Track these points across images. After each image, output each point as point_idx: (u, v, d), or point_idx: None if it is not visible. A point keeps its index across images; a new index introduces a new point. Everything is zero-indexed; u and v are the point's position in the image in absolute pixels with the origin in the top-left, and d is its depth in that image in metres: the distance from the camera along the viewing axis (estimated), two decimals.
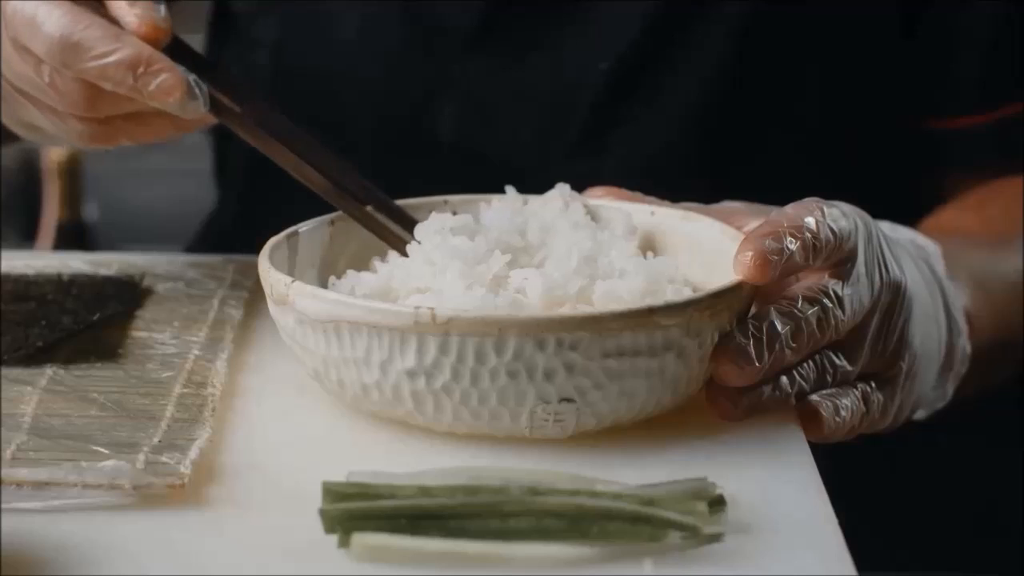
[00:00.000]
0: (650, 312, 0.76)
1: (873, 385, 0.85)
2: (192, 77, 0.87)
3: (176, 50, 0.89)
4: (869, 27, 1.11)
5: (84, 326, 0.90)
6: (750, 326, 0.79)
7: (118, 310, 0.93)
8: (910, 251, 0.92)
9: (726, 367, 0.78)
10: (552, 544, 0.69)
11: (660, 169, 1.11)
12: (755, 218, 0.88)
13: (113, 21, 0.87)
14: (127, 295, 0.95)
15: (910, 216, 1.05)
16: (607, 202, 0.91)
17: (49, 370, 0.85)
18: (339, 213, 0.89)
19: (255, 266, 0.83)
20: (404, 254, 0.86)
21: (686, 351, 0.77)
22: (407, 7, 1.12)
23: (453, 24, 1.11)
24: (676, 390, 0.79)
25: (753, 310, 0.81)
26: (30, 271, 0.98)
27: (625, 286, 0.80)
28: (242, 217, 1.24)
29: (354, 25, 1.13)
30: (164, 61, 0.86)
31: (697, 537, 0.69)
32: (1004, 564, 1.29)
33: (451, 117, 1.13)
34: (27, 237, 2.12)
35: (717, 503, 0.71)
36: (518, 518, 0.69)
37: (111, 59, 0.85)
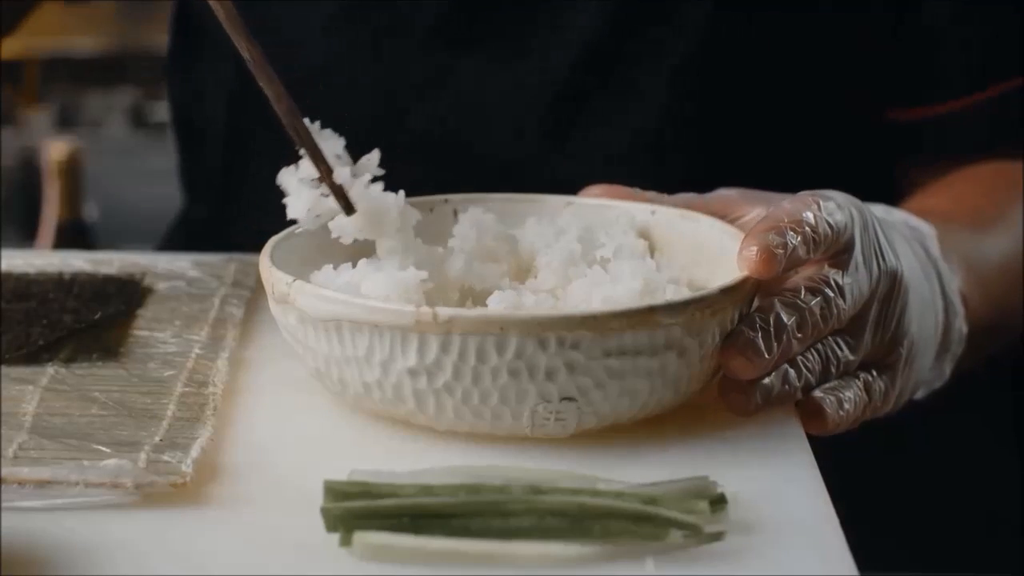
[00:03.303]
0: (651, 311, 0.76)
1: (874, 373, 0.86)
2: None
3: None
4: (837, 18, 1.12)
5: (85, 325, 0.90)
6: (757, 319, 0.79)
7: (119, 309, 0.93)
8: (905, 234, 0.93)
9: (736, 360, 0.79)
10: (554, 543, 0.69)
11: (629, 162, 1.11)
12: (752, 204, 0.89)
13: None
14: (128, 294, 0.95)
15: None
16: (608, 201, 0.91)
17: (50, 369, 0.85)
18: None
19: (256, 265, 0.83)
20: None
21: (687, 350, 0.77)
22: (372, 6, 1.12)
23: (419, 22, 1.12)
24: (677, 389, 0.79)
25: (756, 302, 0.81)
26: (31, 270, 0.98)
27: (622, 290, 0.80)
28: (210, 219, 1.24)
29: (320, 25, 1.13)
30: None
31: (698, 536, 0.69)
32: (1004, 564, 1.29)
33: (419, 114, 1.13)
34: (27, 236, 2.13)
35: (718, 502, 0.71)
36: (520, 517, 0.69)
37: None
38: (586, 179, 0.96)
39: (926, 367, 0.92)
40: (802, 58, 1.12)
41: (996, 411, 1.35)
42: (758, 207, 0.88)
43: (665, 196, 0.91)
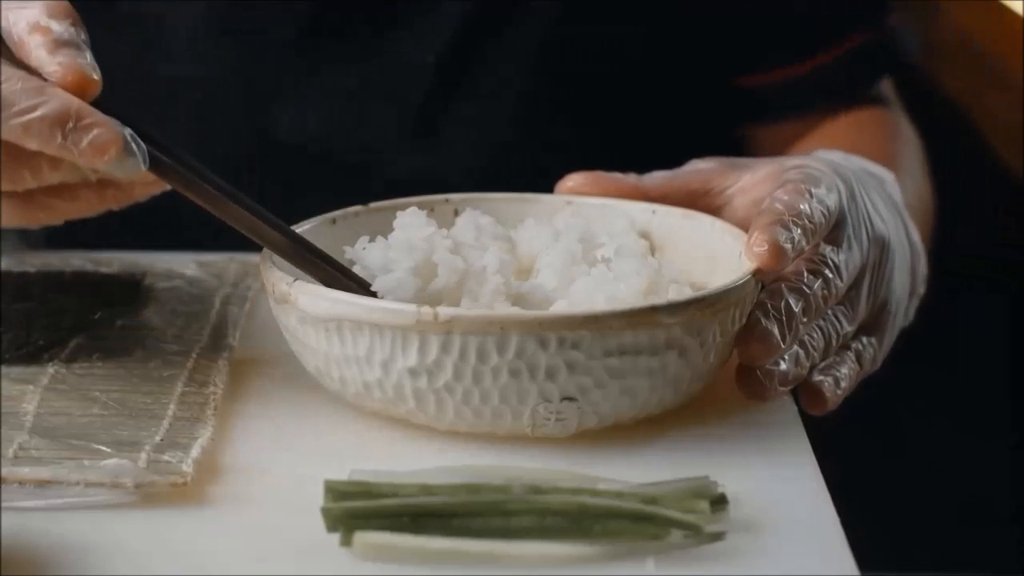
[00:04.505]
0: (652, 311, 0.76)
1: (864, 341, 0.88)
2: (128, 131, 0.78)
3: (101, 103, 0.79)
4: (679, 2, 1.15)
5: (86, 325, 0.90)
6: (769, 308, 0.80)
7: (120, 308, 0.93)
8: (874, 186, 0.94)
9: (754, 348, 0.80)
10: (554, 543, 0.69)
11: (496, 154, 1.13)
12: (734, 173, 0.90)
13: (34, 72, 0.79)
14: (129, 293, 0.95)
15: None
16: (608, 201, 0.91)
17: (51, 368, 0.85)
18: (340, 212, 0.89)
19: (257, 264, 0.83)
20: None
21: (688, 350, 0.77)
22: (236, 14, 1.12)
23: (281, 30, 1.12)
24: (678, 389, 0.79)
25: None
26: (31, 269, 0.98)
27: (626, 289, 0.81)
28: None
29: (185, 35, 1.13)
30: (96, 115, 0.77)
31: (699, 536, 0.69)
32: (1004, 563, 1.29)
33: (290, 121, 1.13)
34: (27, 237, 2.12)
35: (719, 502, 0.71)
36: (520, 517, 0.69)
37: (35, 114, 0.76)
38: (452, 175, 0.97)
39: (903, 316, 0.94)
40: (654, 38, 1.15)
41: (995, 412, 1.35)
42: (742, 175, 0.90)
43: (643, 178, 0.92)
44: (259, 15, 1.12)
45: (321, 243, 0.87)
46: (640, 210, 0.90)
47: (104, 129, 0.77)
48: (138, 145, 0.78)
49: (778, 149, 1.19)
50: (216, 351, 0.88)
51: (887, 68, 1.21)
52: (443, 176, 0.99)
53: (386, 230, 0.88)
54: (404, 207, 0.90)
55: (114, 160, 0.77)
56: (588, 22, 1.14)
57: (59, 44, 0.79)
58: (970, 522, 1.33)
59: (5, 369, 0.85)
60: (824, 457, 0.79)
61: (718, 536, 0.69)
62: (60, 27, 0.79)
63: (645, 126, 1.17)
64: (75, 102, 0.77)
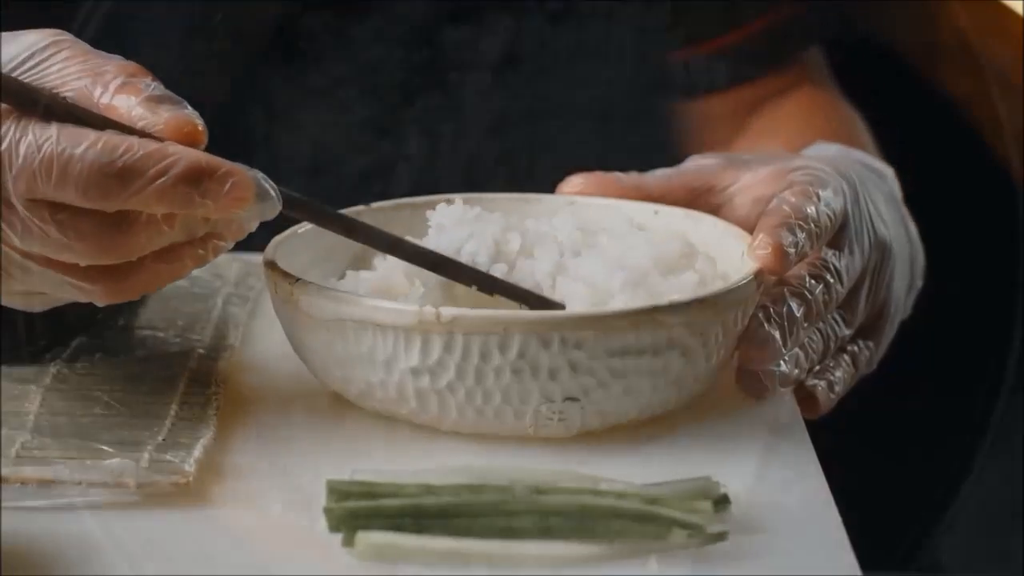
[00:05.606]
0: (654, 311, 0.76)
1: (860, 343, 0.89)
2: (259, 173, 0.73)
3: None
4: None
5: (88, 324, 0.90)
6: (772, 313, 0.81)
7: (122, 308, 0.93)
8: (875, 183, 0.94)
9: (756, 350, 0.80)
10: (556, 543, 0.69)
11: (457, 151, 1.13)
12: (735, 171, 0.90)
13: (138, 133, 0.72)
14: None
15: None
16: (609, 201, 0.91)
17: (53, 368, 0.85)
18: (343, 212, 0.89)
19: (259, 264, 0.83)
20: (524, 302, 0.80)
21: (690, 350, 0.78)
22: (202, 20, 1.13)
23: (248, 33, 1.12)
24: (681, 389, 0.79)
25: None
26: None
27: (668, 250, 0.81)
28: None
29: (155, 39, 1.13)
30: (225, 163, 0.72)
31: (702, 536, 0.69)
32: (1004, 564, 1.29)
33: (257, 122, 1.13)
34: None
35: (721, 502, 0.71)
36: (522, 517, 0.69)
37: (167, 178, 0.71)
38: (424, 167, 0.97)
39: (901, 313, 0.95)
40: (610, 14, 1.17)
41: (997, 415, 1.35)
42: (743, 174, 0.90)
43: (644, 176, 0.92)
44: (229, 17, 1.12)
45: (323, 242, 0.87)
46: (642, 210, 0.90)
47: (239, 176, 0.72)
48: (270, 185, 0.74)
49: (712, 125, 1.20)
50: (218, 351, 0.88)
51: (812, 38, 1.22)
52: (415, 169, 0.98)
53: (389, 229, 0.88)
54: (404, 207, 0.90)
55: (252, 205, 0.73)
56: (552, 9, 1.15)
57: (155, 100, 0.73)
58: (972, 522, 1.33)
59: (7, 369, 0.85)
60: (826, 457, 0.79)
61: (720, 536, 0.69)
62: (147, 83, 0.74)
63: (591, 106, 1.18)
64: (202, 155, 0.72)
